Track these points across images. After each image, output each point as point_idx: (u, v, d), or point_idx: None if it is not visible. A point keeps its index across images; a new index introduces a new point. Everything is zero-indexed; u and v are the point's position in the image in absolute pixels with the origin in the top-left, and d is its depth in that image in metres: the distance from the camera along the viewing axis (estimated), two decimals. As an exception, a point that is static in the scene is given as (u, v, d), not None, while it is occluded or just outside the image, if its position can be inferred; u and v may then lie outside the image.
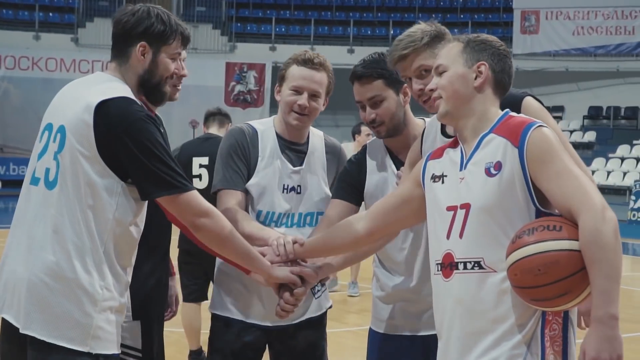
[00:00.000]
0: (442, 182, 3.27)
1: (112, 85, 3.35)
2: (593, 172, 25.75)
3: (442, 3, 35.14)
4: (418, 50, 3.70)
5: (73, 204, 3.25)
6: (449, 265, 3.17)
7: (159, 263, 4.00)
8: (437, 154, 3.38)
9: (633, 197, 23.68)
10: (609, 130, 30.56)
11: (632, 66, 30.61)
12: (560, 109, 30.59)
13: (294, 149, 4.18)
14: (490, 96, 3.25)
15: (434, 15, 34.47)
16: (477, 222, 3.10)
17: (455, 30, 33.21)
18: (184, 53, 4.06)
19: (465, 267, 3.12)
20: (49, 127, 3.40)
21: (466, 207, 3.13)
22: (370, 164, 4.10)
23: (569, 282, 2.91)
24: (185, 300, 7.88)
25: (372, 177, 4.07)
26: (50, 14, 32.87)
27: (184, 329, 7.97)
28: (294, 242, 3.79)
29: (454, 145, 3.32)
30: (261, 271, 3.76)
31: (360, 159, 4.13)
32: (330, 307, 4.40)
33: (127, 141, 3.22)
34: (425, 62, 3.69)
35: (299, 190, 4.13)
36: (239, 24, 33.96)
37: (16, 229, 3.41)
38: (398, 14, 34.90)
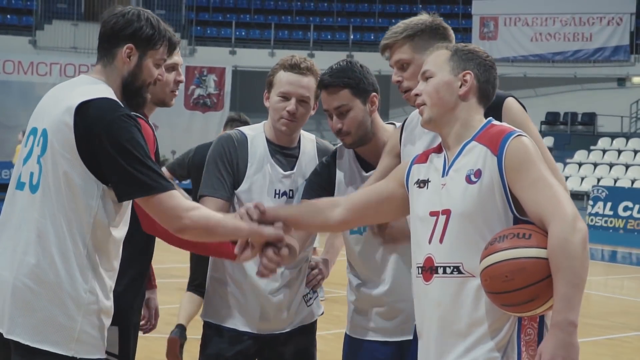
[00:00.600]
0: (427, 187, 3.31)
1: (94, 87, 3.32)
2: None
3: (401, 8, 35.22)
4: (398, 43, 3.71)
5: (55, 208, 3.22)
6: (429, 269, 3.22)
7: (141, 272, 3.99)
8: (422, 158, 3.41)
9: (591, 202, 23.87)
10: (566, 135, 30.82)
11: (589, 72, 30.91)
12: (519, 114, 30.70)
13: (284, 153, 4.15)
14: (475, 105, 3.30)
15: (393, 21, 34.58)
16: (457, 228, 3.16)
17: (415, 35, 33.33)
18: (180, 59, 4.04)
19: (444, 272, 3.17)
20: (34, 131, 3.37)
21: (447, 213, 3.19)
22: (340, 168, 4.08)
23: (536, 288, 2.96)
24: (194, 292, 7.96)
25: (340, 180, 4.06)
26: (8, 16, 32.58)
27: (181, 307, 7.97)
28: (255, 207, 3.65)
29: (439, 151, 3.36)
30: (253, 234, 3.58)
31: (330, 163, 4.11)
32: (322, 313, 4.39)
33: (104, 140, 3.18)
34: (402, 56, 3.71)
35: (291, 195, 4.12)
36: (198, 28, 33.87)
37: (3, 234, 3.38)
38: (358, 19, 34.99)
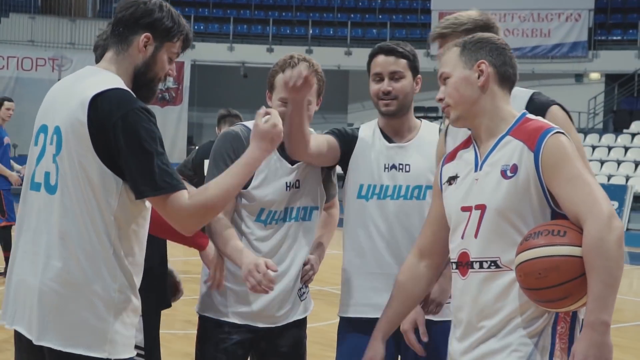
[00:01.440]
0: (456, 183, 3.35)
1: (103, 78, 3.21)
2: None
3: (360, 3, 35.27)
4: (456, 34, 3.82)
5: (76, 207, 3.12)
6: (465, 264, 3.26)
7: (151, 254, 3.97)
8: (450, 156, 3.46)
9: (548, 198, 24.10)
10: (524, 131, 31.00)
11: (548, 68, 31.12)
12: (477, 109, 30.88)
13: None
14: (498, 92, 3.32)
15: (352, 16, 34.64)
16: (492, 223, 3.19)
17: (374, 30, 33.43)
18: None
19: (481, 266, 3.22)
20: (44, 129, 3.26)
21: (481, 208, 3.21)
22: (362, 136, 4.27)
23: (569, 286, 3.01)
24: None
25: (361, 147, 4.23)
26: (-37, 9, 32.26)
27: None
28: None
29: (466, 145, 3.39)
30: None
31: (354, 131, 4.31)
32: (312, 307, 4.47)
33: (119, 133, 3.07)
34: None
35: (297, 185, 4.17)
36: (157, 22, 33.68)
37: (20, 238, 3.29)
38: (317, 13, 34.98)
